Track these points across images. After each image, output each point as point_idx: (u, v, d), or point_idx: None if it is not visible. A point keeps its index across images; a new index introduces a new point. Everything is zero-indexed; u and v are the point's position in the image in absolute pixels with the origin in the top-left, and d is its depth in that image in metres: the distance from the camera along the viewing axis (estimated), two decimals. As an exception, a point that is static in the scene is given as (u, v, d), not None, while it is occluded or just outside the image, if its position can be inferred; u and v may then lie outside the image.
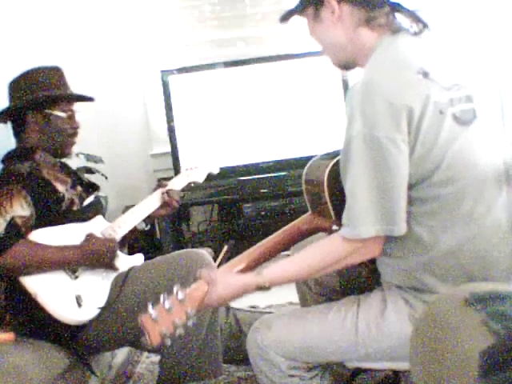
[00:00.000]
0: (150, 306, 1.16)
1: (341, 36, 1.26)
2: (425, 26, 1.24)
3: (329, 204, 1.35)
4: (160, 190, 1.90)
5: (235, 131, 3.02)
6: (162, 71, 3.00)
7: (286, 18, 1.35)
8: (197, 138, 3.02)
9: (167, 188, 1.90)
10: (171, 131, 3.00)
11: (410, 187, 1.15)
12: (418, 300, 1.21)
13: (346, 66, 1.33)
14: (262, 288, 1.24)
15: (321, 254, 1.24)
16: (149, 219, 1.90)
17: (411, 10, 1.26)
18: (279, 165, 3.02)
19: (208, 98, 3.00)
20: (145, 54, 3.30)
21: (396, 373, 1.62)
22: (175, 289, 1.20)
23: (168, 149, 3.04)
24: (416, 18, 1.25)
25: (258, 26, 3.33)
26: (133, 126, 3.29)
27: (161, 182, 1.95)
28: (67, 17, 3.10)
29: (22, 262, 1.56)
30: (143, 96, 3.34)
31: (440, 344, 0.79)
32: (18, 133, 1.81)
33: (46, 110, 1.76)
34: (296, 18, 1.35)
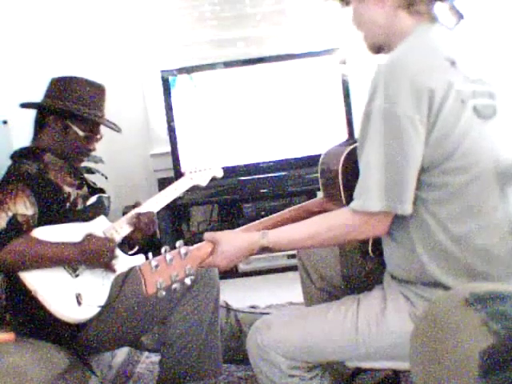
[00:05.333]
0: (150, 255, 1.16)
1: (381, 16, 1.28)
2: (460, 17, 1.26)
3: (341, 190, 1.37)
4: (131, 214, 1.83)
5: (235, 131, 3.02)
6: (162, 71, 3.00)
7: None
8: (197, 138, 3.02)
9: (136, 211, 1.83)
10: (171, 131, 3.00)
11: (422, 172, 1.16)
12: (419, 297, 1.21)
13: (380, 48, 1.34)
14: (265, 249, 1.24)
15: (328, 224, 1.24)
16: (131, 243, 1.88)
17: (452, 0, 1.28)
18: (279, 165, 3.02)
19: (208, 97, 3.00)
20: (145, 54, 3.30)
21: (396, 373, 1.62)
22: (178, 243, 1.20)
23: (168, 149, 3.04)
24: (454, 9, 1.26)
25: (257, 26, 3.33)
26: (133, 125, 3.29)
27: (136, 203, 1.88)
28: (67, 17, 3.10)
29: (20, 257, 1.57)
30: (143, 96, 3.35)
31: (440, 344, 0.79)
32: (36, 129, 1.83)
33: (67, 122, 1.78)
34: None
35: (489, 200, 1.18)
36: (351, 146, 1.36)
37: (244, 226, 1.39)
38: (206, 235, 1.28)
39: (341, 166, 1.36)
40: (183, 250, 1.18)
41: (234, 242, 1.26)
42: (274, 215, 1.47)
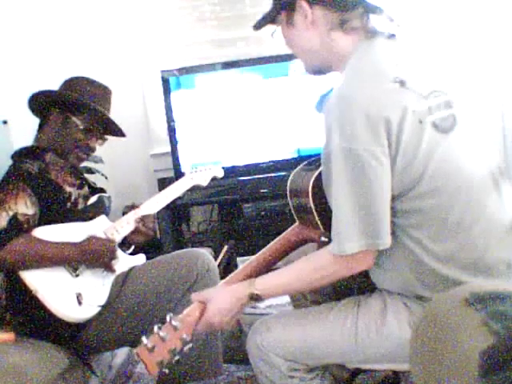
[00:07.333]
0: (143, 338, 1.15)
1: (315, 41, 1.24)
2: (398, 26, 1.22)
3: (315, 215, 1.34)
4: (133, 215, 1.84)
5: (235, 131, 3.02)
6: (162, 71, 3.00)
7: (259, 25, 1.33)
8: (197, 138, 3.02)
9: (140, 214, 1.83)
10: (171, 131, 3.00)
11: (394, 199, 1.14)
12: (418, 305, 1.21)
13: (320, 71, 1.31)
14: (254, 297, 1.23)
15: (310, 268, 1.22)
16: (128, 243, 1.87)
17: (384, 10, 1.23)
18: (279, 165, 3.02)
19: (208, 97, 3.00)
20: (145, 54, 3.30)
21: (396, 373, 1.62)
22: (168, 316, 1.19)
23: (168, 149, 3.04)
24: (390, 19, 1.23)
25: (258, 26, 3.33)
26: (133, 125, 3.28)
27: (133, 205, 1.88)
28: (68, 17, 3.09)
29: (21, 256, 1.57)
30: (143, 96, 3.34)
31: (440, 344, 0.79)
32: (39, 129, 1.83)
33: (68, 113, 1.78)
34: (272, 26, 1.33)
35: (466, 217, 1.14)
36: (318, 170, 1.30)
37: (228, 277, 1.36)
38: (193, 296, 1.27)
39: (311, 193, 1.32)
40: (174, 321, 1.18)
41: (222, 296, 1.25)
42: (258, 254, 1.41)
